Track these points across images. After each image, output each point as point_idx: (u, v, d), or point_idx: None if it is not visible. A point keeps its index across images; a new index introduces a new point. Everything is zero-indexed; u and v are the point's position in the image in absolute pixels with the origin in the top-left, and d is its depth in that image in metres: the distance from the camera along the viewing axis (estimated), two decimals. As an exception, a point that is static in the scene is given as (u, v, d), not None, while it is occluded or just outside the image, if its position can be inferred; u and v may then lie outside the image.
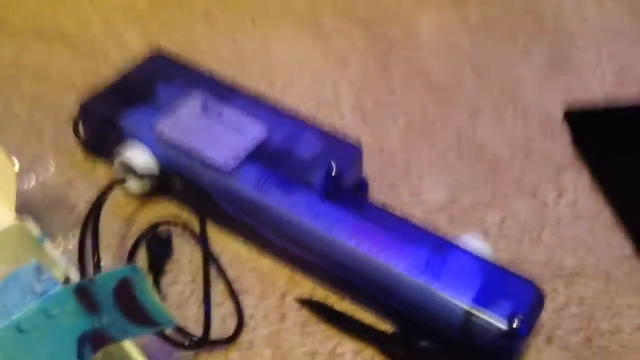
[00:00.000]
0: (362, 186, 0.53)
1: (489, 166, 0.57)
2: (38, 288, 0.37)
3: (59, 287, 0.36)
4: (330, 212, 0.46)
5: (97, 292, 0.36)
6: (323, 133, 0.52)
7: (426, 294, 0.43)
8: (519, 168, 0.57)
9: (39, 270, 0.38)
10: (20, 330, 0.35)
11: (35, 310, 0.36)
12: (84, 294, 0.36)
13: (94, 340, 0.37)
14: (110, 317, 0.37)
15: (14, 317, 0.35)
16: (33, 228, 0.43)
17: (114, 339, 0.37)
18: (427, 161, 0.57)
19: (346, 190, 0.48)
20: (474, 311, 0.41)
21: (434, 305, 0.42)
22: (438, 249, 0.44)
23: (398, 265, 0.44)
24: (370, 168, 0.55)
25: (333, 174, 0.48)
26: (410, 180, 0.55)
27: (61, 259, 0.41)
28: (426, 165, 0.56)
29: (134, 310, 0.36)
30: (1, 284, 0.38)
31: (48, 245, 0.42)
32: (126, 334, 0.37)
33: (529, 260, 0.50)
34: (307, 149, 0.50)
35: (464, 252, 0.44)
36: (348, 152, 0.51)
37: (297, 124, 0.52)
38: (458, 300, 0.42)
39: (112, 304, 0.36)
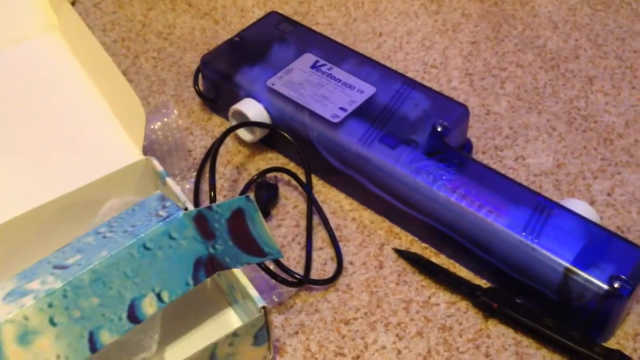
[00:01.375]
0: (466, 147, 0.53)
1: (600, 135, 0.55)
2: (162, 213, 0.40)
3: (181, 213, 0.40)
4: (433, 167, 0.47)
5: (213, 220, 0.39)
6: (431, 93, 0.52)
7: (526, 251, 0.43)
8: (632, 138, 0.55)
9: (163, 198, 0.42)
10: (146, 247, 0.39)
11: (159, 232, 0.39)
12: (202, 221, 0.40)
13: (207, 265, 0.41)
14: (223, 245, 0.40)
15: (142, 235, 0.39)
16: (157, 165, 0.47)
17: (227, 266, 0.41)
18: (535, 127, 0.56)
19: (451, 148, 0.49)
20: (575, 269, 0.41)
21: (534, 262, 0.42)
22: (541, 208, 0.44)
23: (499, 221, 0.44)
24: (475, 131, 0.56)
25: (439, 130, 0.48)
26: (516, 144, 0.55)
27: (181, 193, 0.45)
28: (533, 130, 0.56)
29: (246, 240, 0.39)
30: (129, 209, 0.42)
31: (170, 181, 0.46)
32: (237, 262, 0.40)
33: (636, 229, 0.49)
34: (414, 108, 0.51)
35: (568, 212, 0.44)
36: (455, 112, 0.51)
37: (405, 84, 0.53)
38: (558, 258, 0.42)
39: (226, 232, 0.39)
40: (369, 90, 0.53)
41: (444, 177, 0.47)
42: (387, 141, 0.49)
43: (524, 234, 0.43)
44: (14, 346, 0.35)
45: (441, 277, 0.46)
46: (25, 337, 0.36)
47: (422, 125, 0.50)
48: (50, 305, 0.36)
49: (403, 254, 0.48)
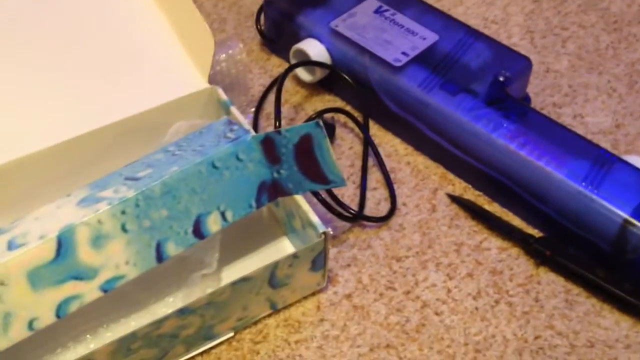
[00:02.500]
0: (525, 102, 0.53)
1: (659, 100, 0.55)
2: (230, 135, 0.41)
3: (249, 136, 0.41)
4: (494, 115, 0.48)
5: (281, 145, 0.40)
6: (494, 44, 0.52)
7: (584, 202, 0.43)
8: (693, 105, 0.54)
9: (230, 123, 0.43)
10: (214, 166, 0.40)
11: (227, 152, 0.40)
12: (269, 145, 0.41)
13: (270, 190, 0.42)
14: (288, 170, 0.41)
15: (211, 154, 0.40)
16: (222, 94, 0.48)
17: (289, 192, 0.42)
18: (594, 87, 0.56)
19: (512, 98, 0.49)
20: (633, 221, 0.41)
21: (591, 213, 0.43)
22: (602, 160, 0.44)
23: (559, 171, 0.44)
24: (534, 88, 0.56)
25: (501, 79, 0.48)
26: (574, 102, 0.55)
27: (245, 122, 0.46)
28: (593, 90, 0.56)
29: (311, 166, 0.40)
30: (197, 132, 0.43)
31: (234, 110, 0.47)
32: (300, 188, 0.41)
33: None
34: (476, 57, 0.52)
35: (629, 166, 0.44)
36: (518, 64, 0.51)
37: (468, 33, 0.53)
38: (617, 209, 0.42)
39: (292, 157, 0.40)
40: (431, 37, 0.53)
41: (504, 125, 0.47)
42: (448, 88, 0.50)
43: (583, 184, 0.43)
44: (87, 248, 0.37)
45: (494, 223, 0.47)
46: (98, 241, 0.37)
47: (484, 75, 0.50)
48: (123, 212, 0.38)
49: (456, 200, 0.48)
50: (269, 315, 0.43)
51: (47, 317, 0.37)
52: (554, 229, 0.46)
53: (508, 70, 0.50)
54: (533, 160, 0.45)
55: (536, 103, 0.55)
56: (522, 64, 0.51)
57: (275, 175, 0.41)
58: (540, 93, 0.55)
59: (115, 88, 0.48)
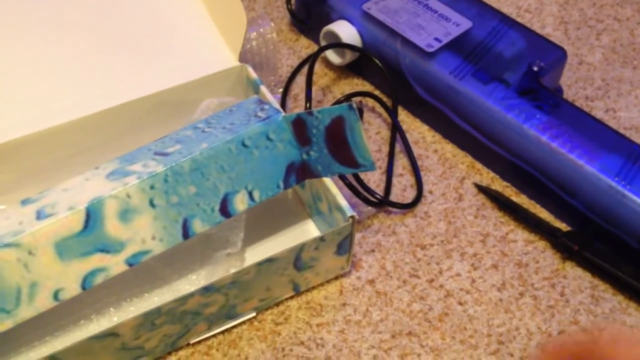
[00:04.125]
0: (558, 93, 0.53)
1: (694, 98, 0.54)
2: (261, 114, 0.41)
3: (280, 115, 0.40)
4: (526, 106, 0.47)
5: (312, 126, 0.40)
6: (528, 33, 0.51)
7: (615, 197, 0.42)
8: None
9: (260, 102, 0.43)
10: (244, 144, 0.40)
11: (258, 131, 0.40)
12: (300, 126, 0.40)
13: (299, 171, 0.41)
14: (318, 152, 0.40)
15: (241, 132, 0.40)
16: (252, 73, 0.48)
17: (317, 174, 0.41)
18: (628, 81, 0.55)
19: (545, 89, 0.48)
20: (666, 219, 0.41)
21: (622, 208, 0.42)
22: (635, 156, 0.44)
23: (591, 165, 0.43)
24: (566, 79, 0.55)
25: (535, 70, 0.48)
26: (607, 96, 0.54)
27: (274, 102, 0.45)
28: (626, 84, 0.54)
29: (341, 149, 0.39)
30: (227, 109, 0.43)
31: (264, 89, 0.46)
32: (329, 171, 0.41)
33: None
34: (510, 46, 0.51)
35: (664, 164, 0.43)
36: (552, 54, 0.50)
37: (502, 22, 0.52)
38: (650, 206, 0.41)
39: (322, 139, 0.40)
40: (465, 24, 0.52)
41: (536, 116, 0.46)
42: (480, 76, 0.49)
43: (616, 179, 0.43)
44: (115, 221, 0.37)
45: (521, 215, 0.46)
46: (126, 214, 0.37)
47: (517, 64, 0.49)
48: (151, 187, 0.37)
49: (484, 190, 0.48)
50: (292, 297, 0.43)
51: (72, 289, 0.37)
52: (583, 223, 0.45)
53: (542, 61, 0.49)
54: (565, 152, 0.44)
55: (568, 95, 0.54)
56: (557, 55, 0.50)
57: (305, 156, 0.41)
58: (573, 85, 0.55)
59: (147, 63, 0.48)
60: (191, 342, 0.40)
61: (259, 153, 0.40)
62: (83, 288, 0.37)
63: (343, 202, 0.40)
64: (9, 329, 0.36)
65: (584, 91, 0.54)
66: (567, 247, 0.44)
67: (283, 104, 0.53)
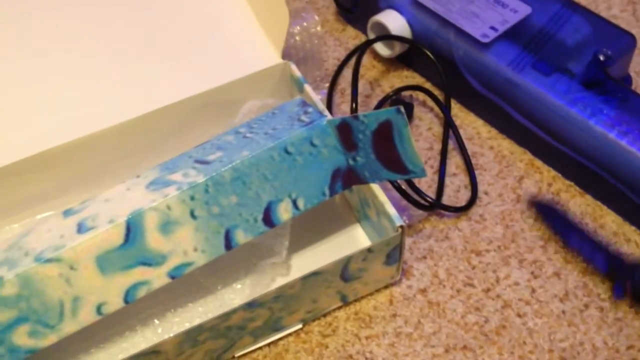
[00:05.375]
0: (626, 82, 0.49)
1: None
2: (305, 118, 0.39)
3: (324, 120, 0.38)
4: (591, 100, 0.43)
5: (358, 130, 0.37)
6: (593, 18, 0.47)
7: (693, 201, 0.39)
8: None
9: (304, 104, 0.41)
10: (287, 151, 0.38)
11: (301, 137, 0.38)
12: (345, 130, 0.38)
13: (345, 177, 0.39)
14: (364, 158, 0.38)
15: (284, 138, 0.38)
16: (295, 70, 0.46)
17: (364, 180, 0.39)
18: None
19: (613, 80, 0.45)
20: None
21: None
22: None
23: (664, 165, 0.40)
24: (635, 66, 0.51)
25: (601, 59, 0.44)
26: (682, 84, 0.49)
27: (319, 101, 0.43)
28: None
29: (389, 154, 0.37)
30: (269, 112, 0.41)
31: (308, 88, 0.44)
32: (376, 177, 0.38)
33: None
34: (573, 33, 0.47)
35: None
36: (620, 41, 0.46)
37: (565, 6, 0.48)
38: None
39: (369, 144, 0.37)
40: (523, 10, 0.48)
41: (603, 112, 0.43)
42: (541, 67, 0.45)
43: (693, 181, 0.39)
44: (155, 234, 0.36)
45: (571, 243, 0.42)
46: (167, 227, 0.36)
47: (582, 53, 0.46)
48: (192, 198, 0.36)
49: (537, 206, 0.44)
50: (339, 308, 0.41)
51: (115, 302, 0.36)
52: (655, 227, 0.42)
53: (609, 49, 0.45)
54: (635, 151, 0.41)
55: (638, 84, 0.49)
56: (625, 41, 0.46)
57: (351, 162, 0.39)
58: (643, 73, 0.50)
59: (188, 64, 0.46)
60: (236, 355, 0.39)
61: (302, 160, 0.38)
62: (126, 302, 0.36)
63: (391, 210, 0.38)
64: (53, 343, 0.36)
65: (656, 79, 0.50)
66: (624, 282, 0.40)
67: (329, 99, 0.51)
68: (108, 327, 0.40)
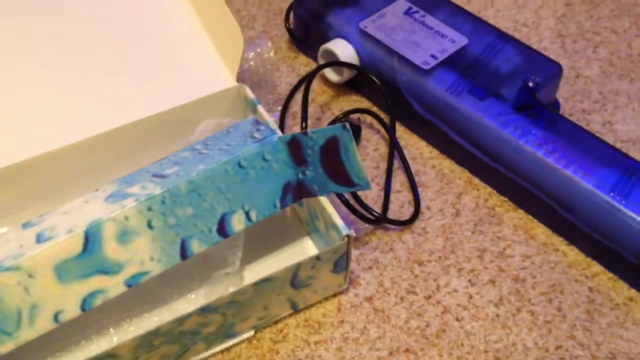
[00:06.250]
0: (554, 107, 0.53)
1: (692, 110, 0.54)
2: (257, 135, 0.41)
3: (275, 136, 0.41)
4: (522, 122, 0.47)
5: (307, 146, 0.40)
6: (524, 48, 0.52)
7: (611, 212, 0.42)
8: None
9: (257, 122, 0.43)
10: (240, 165, 0.40)
11: (254, 152, 0.41)
12: (295, 146, 0.41)
13: (295, 190, 0.42)
14: (313, 172, 0.41)
15: (237, 153, 0.40)
16: (249, 93, 0.48)
17: (313, 193, 0.42)
18: (626, 94, 0.55)
19: (541, 105, 0.49)
20: (661, 234, 0.41)
21: (618, 224, 0.42)
22: (631, 171, 0.44)
23: (586, 180, 0.44)
24: (563, 93, 0.55)
25: (530, 85, 0.48)
26: (604, 109, 0.54)
27: (271, 122, 0.46)
28: (624, 97, 0.55)
29: (336, 169, 0.40)
30: (224, 130, 0.44)
31: (261, 109, 0.47)
32: (325, 190, 0.41)
33: None
34: (505, 62, 0.51)
35: (659, 178, 0.43)
36: (548, 69, 0.51)
37: (498, 37, 0.53)
38: (645, 221, 0.41)
39: (317, 159, 0.40)
40: (461, 40, 0.53)
41: (532, 132, 0.47)
42: (476, 92, 0.49)
43: (611, 194, 0.43)
44: (113, 243, 0.38)
45: None
46: (124, 237, 0.38)
47: (513, 80, 0.50)
48: (149, 209, 0.38)
49: None
50: (290, 315, 0.43)
51: (72, 310, 0.37)
52: (580, 238, 0.45)
53: (538, 76, 0.49)
54: (560, 168, 0.45)
55: (565, 109, 0.54)
56: (552, 70, 0.51)
57: (301, 176, 0.41)
58: (570, 99, 0.55)
59: (144, 84, 0.48)
60: (190, 361, 0.41)
61: (255, 174, 0.41)
62: (83, 310, 0.38)
63: (338, 220, 0.41)
64: (10, 351, 0.37)
65: (581, 104, 0.54)
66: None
67: (282, 122, 0.53)
68: (65, 336, 0.41)
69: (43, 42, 0.50)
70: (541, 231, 0.47)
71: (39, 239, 0.37)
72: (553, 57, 0.58)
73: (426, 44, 0.53)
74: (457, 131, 0.50)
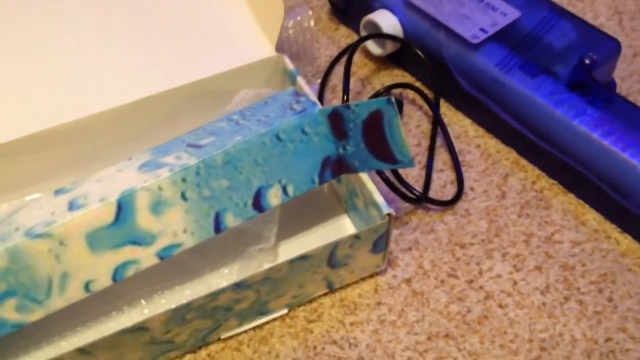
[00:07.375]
0: (610, 87, 0.50)
1: None
2: (297, 107, 0.40)
3: (316, 109, 0.39)
4: (576, 101, 0.44)
5: (349, 120, 0.38)
6: (580, 23, 0.49)
7: (671, 199, 0.40)
8: None
9: (296, 94, 0.41)
10: (278, 138, 0.39)
11: (293, 124, 0.39)
12: (336, 119, 0.39)
13: (335, 166, 0.40)
14: (354, 147, 0.39)
15: (275, 125, 0.38)
16: (289, 63, 0.47)
17: (354, 169, 0.40)
18: (688, 75, 0.52)
19: (598, 83, 0.46)
20: None
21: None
22: (694, 156, 0.41)
23: (644, 164, 0.41)
24: (620, 72, 0.52)
25: (587, 62, 0.45)
26: (664, 91, 0.51)
27: (311, 93, 0.44)
28: (686, 79, 0.51)
29: (379, 144, 0.38)
30: (262, 101, 0.42)
31: (300, 80, 0.45)
32: (365, 166, 0.39)
33: None
34: (560, 37, 0.48)
35: None
36: (606, 46, 0.47)
37: (553, 11, 0.50)
38: None
39: (359, 134, 0.38)
40: (513, 13, 0.50)
41: (587, 112, 0.44)
42: (528, 69, 0.47)
43: (672, 180, 0.40)
44: (146, 214, 0.36)
45: None
46: (157, 207, 0.36)
47: (568, 56, 0.47)
48: (183, 180, 0.37)
49: None
50: (325, 295, 0.41)
51: (103, 280, 0.37)
52: (635, 225, 0.43)
53: (595, 53, 0.47)
54: (617, 151, 0.42)
55: (622, 89, 0.51)
56: (610, 47, 0.48)
57: (341, 151, 0.40)
58: (627, 78, 0.52)
59: (183, 53, 0.47)
60: (222, 337, 0.40)
61: (293, 147, 0.39)
62: (114, 280, 0.37)
63: (379, 198, 0.39)
64: (40, 319, 0.36)
65: (638, 85, 0.51)
66: None
67: (321, 95, 0.51)
68: (95, 307, 0.40)
69: (78, 8, 0.49)
70: (592, 217, 0.45)
71: (72, 206, 0.36)
72: (609, 34, 0.55)
73: (475, 16, 0.50)
74: (505, 109, 0.47)
